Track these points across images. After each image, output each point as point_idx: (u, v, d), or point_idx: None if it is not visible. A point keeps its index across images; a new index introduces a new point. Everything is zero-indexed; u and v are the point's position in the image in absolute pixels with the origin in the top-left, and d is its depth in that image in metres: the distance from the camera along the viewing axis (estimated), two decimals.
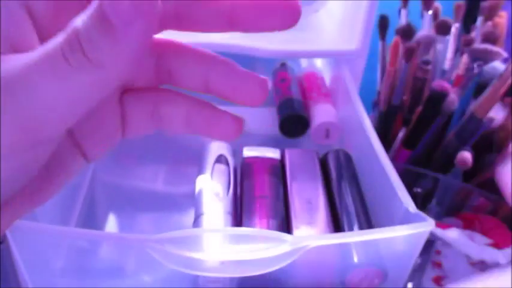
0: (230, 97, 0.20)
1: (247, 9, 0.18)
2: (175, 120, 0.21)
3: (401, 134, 0.59)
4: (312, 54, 0.58)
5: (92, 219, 0.48)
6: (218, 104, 0.21)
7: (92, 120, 0.20)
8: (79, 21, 0.15)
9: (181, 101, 0.21)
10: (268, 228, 0.39)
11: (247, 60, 0.52)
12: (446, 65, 0.60)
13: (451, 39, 0.59)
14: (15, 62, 0.15)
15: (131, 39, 0.15)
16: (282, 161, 0.47)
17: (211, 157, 0.46)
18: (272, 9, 0.18)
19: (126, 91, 0.21)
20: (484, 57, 0.53)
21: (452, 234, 0.46)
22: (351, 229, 0.39)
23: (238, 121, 0.21)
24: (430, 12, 0.60)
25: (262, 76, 0.20)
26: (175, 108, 0.21)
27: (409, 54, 0.55)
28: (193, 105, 0.21)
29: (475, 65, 0.54)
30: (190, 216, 0.43)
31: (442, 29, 0.57)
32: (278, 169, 0.46)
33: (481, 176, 0.54)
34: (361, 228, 0.39)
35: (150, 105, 0.21)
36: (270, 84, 0.20)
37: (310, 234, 0.39)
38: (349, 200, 0.42)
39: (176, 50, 0.20)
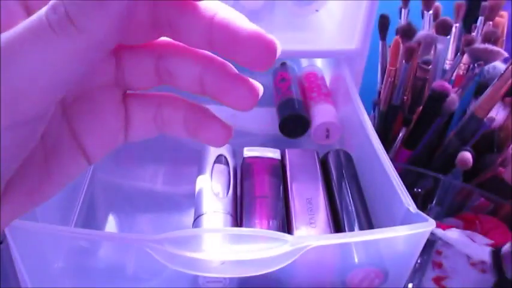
0: (220, 100, 0.20)
1: (222, 34, 0.18)
2: (176, 123, 0.21)
3: (401, 134, 0.59)
4: (312, 54, 0.58)
5: (91, 219, 0.48)
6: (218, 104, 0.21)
7: (95, 120, 0.20)
8: None
9: (180, 104, 0.21)
10: (269, 228, 0.39)
11: None
12: (447, 65, 0.60)
13: (451, 39, 0.59)
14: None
15: (117, 2, 0.15)
16: (282, 161, 0.47)
17: (211, 157, 0.46)
18: (245, 40, 0.18)
19: (129, 95, 0.22)
20: (485, 57, 0.52)
21: (453, 234, 0.45)
22: (351, 229, 0.39)
23: (227, 129, 0.21)
24: (431, 12, 0.60)
25: (254, 82, 0.20)
26: (176, 111, 0.21)
27: (410, 54, 0.55)
28: (189, 108, 0.21)
29: (476, 65, 0.53)
30: (190, 216, 0.42)
31: (443, 28, 0.57)
32: (278, 169, 0.46)
33: (481, 176, 0.54)
34: (361, 228, 0.39)
35: (153, 107, 0.21)
36: (261, 91, 0.20)
37: (311, 235, 0.39)
38: (349, 200, 0.42)
39: (175, 50, 0.20)
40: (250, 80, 0.20)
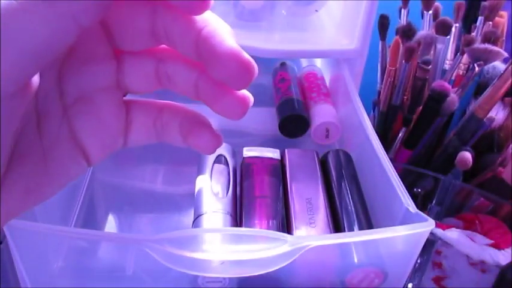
0: (211, 107, 0.20)
1: (204, 46, 0.18)
2: (173, 129, 0.22)
3: (401, 134, 0.59)
4: (312, 54, 0.58)
5: (91, 219, 0.48)
6: None
7: (95, 121, 0.21)
8: None
9: (179, 110, 0.22)
10: (268, 228, 0.39)
11: None
12: (447, 65, 0.60)
13: (451, 39, 0.59)
14: None
15: None
16: (282, 161, 0.47)
17: (210, 157, 0.46)
18: (222, 55, 0.18)
19: (132, 101, 0.22)
20: (485, 57, 0.52)
21: (453, 234, 0.45)
22: (351, 229, 0.39)
23: (216, 138, 0.21)
24: (431, 12, 0.60)
25: (245, 93, 0.20)
26: (174, 117, 0.22)
27: (409, 54, 0.55)
28: (185, 115, 0.22)
29: (476, 65, 0.53)
30: (190, 216, 0.42)
31: (443, 28, 0.57)
32: (278, 169, 0.46)
33: (481, 176, 0.54)
34: (361, 228, 0.39)
35: (154, 113, 0.22)
36: (251, 101, 0.20)
37: (310, 234, 0.39)
38: (349, 200, 0.42)
39: (174, 56, 0.21)
40: (241, 90, 0.20)
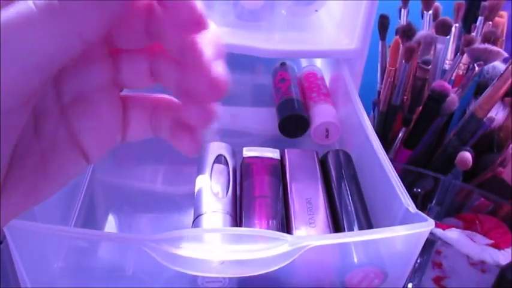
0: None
1: (189, 52, 0.18)
2: (165, 128, 0.22)
3: (401, 134, 0.59)
4: (312, 54, 0.58)
5: (91, 219, 0.48)
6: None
7: (93, 119, 0.21)
8: None
9: (172, 108, 0.22)
10: (268, 228, 0.39)
11: (247, 60, 0.52)
12: (447, 65, 0.60)
13: (451, 39, 0.59)
14: None
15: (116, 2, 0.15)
16: (281, 161, 0.47)
17: (210, 157, 0.46)
18: (199, 73, 0.18)
19: (128, 97, 0.22)
20: (485, 57, 0.52)
21: (453, 234, 0.45)
22: (350, 229, 0.39)
23: (196, 144, 0.22)
24: (430, 12, 0.60)
25: (213, 105, 0.20)
26: (166, 116, 0.22)
27: (409, 54, 0.55)
28: (176, 114, 0.22)
29: (475, 65, 0.53)
30: (189, 216, 0.42)
31: (442, 28, 0.57)
32: (278, 169, 0.46)
33: (481, 176, 0.54)
34: (360, 228, 0.39)
35: (149, 109, 0.22)
36: (216, 114, 0.21)
37: (310, 234, 0.39)
38: (349, 200, 0.42)
39: (166, 53, 0.21)
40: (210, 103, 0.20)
